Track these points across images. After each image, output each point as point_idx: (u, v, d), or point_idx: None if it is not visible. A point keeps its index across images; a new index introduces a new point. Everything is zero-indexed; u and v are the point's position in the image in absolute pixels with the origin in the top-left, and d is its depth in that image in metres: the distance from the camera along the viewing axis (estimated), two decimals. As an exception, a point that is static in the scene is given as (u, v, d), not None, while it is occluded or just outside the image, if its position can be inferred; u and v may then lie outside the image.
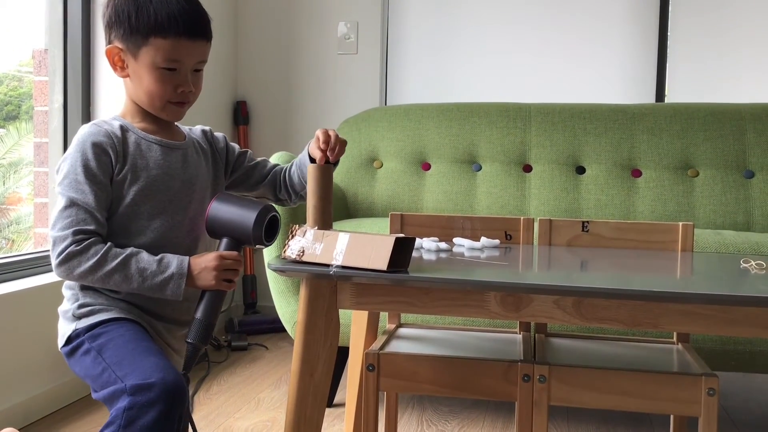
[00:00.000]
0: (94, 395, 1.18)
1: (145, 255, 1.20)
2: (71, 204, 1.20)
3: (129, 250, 1.20)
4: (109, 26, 1.27)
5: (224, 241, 1.27)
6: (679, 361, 1.41)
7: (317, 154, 1.30)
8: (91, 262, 1.17)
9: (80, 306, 1.24)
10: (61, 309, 1.28)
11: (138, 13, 1.23)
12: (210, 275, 1.21)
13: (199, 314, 1.24)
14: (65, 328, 1.25)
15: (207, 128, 1.44)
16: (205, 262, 1.22)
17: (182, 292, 1.20)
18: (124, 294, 1.24)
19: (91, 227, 1.19)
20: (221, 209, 1.27)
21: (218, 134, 1.45)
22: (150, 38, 1.23)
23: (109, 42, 1.28)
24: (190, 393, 1.19)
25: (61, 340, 1.26)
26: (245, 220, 1.24)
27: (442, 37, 3.26)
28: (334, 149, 1.29)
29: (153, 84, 1.25)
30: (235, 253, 1.25)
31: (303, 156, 1.41)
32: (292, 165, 1.47)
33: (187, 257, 1.22)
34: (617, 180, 2.52)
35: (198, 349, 1.24)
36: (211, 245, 1.35)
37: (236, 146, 1.48)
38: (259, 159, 1.50)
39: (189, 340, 1.23)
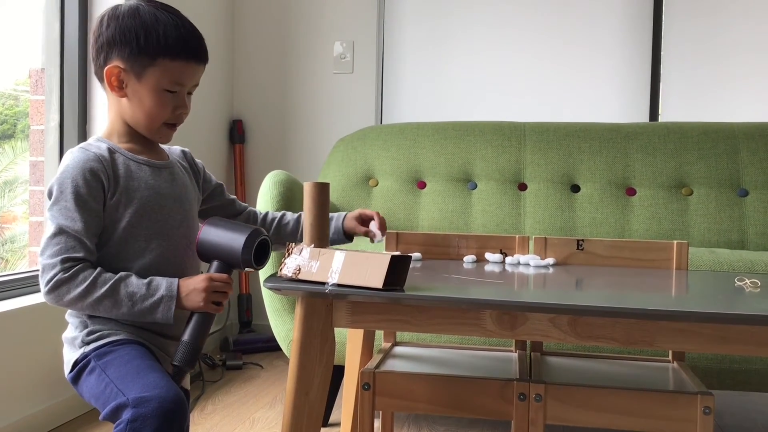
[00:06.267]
0: (100, 417, 1.17)
1: (134, 279, 1.20)
2: (60, 231, 1.19)
3: (118, 275, 1.20)
4: (109, 45, 1.26)
5: (214, 264, 1.27)
6: (674, 379, 1.41)
7: (360, 230, 1.47)
8: (80, 289, 1.17)
9: (90, 333, 1.23)
10: (66, 336, 1.27)
11: (147, 34, 1.24)
12: (199, 297, 1.21)
13: (186, 336, 1.23)
14: (71, 354, 1.25)
15: (186, 150, 1.45)
16: (194, 283, 1.22)
17: (173, 315, 1.20)
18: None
19: (80, 254, 1.19)
20: (211, 233, 1.27)
21: (198, 161, 1.47)
22: (158, 60, 1.24)
23: (106, 61, 1.27)
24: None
25: (67, 367, 1.25)
26: (235, 243, 1.24)
27: (438, 56, 3.28)
28: (383, 227, 1.45)
29: (154, 105, 1.26)
30: (224, 275, 1.25)
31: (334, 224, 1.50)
32: (284, 216, 1.52)
33: (177, 279, 1.22)
34: (612, 198, 2.53)
35: (183, 371, 1.23)
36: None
37: (213, 177, 1.50)
38: (234, 197, 1.52)
39: (175, 363, 1.22)
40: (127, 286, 1.19)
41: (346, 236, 1.50)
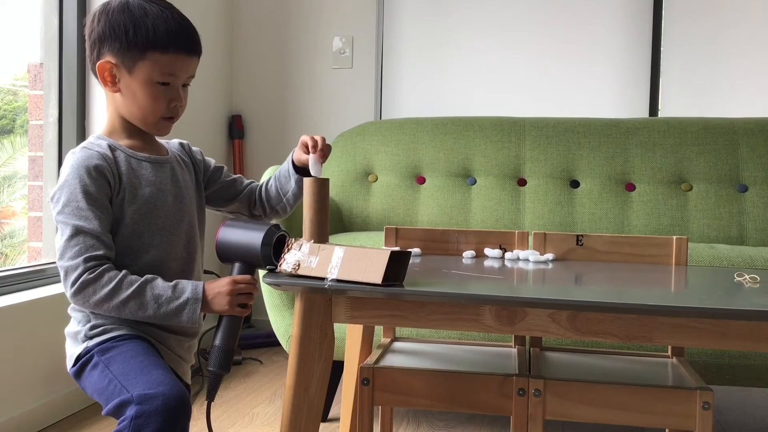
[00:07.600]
0: (103, 412, 1.17)
1: (159, 282, 1.20)
2: (77, 232, 1.18)
3: (143, 277, 1.20)
4: (101, 40, 1.26)
5: (236, 266, 1.26)
6: (673, 375, 1.41)
7: (304, 157, 1.33)
8: (106, 290, 1.17)
9: (92, 327, 1.23)
10: (69, 330, 1.27)
11: (136, 28, 1.23)
12: (224, 300, 1.21)
13: (217, 341, 1.24)
14: (74, 349, 1.25)
15: (184, 141, 1.45)
16: (218, 287, 1.21)
17: (198, 318, 1.20)
18: None
19: (101, 252, 1.19)
20: (229, 234, 1.27)
21: (195, 148, 1.46)
22: (147, 53, 1.24)
23: (98, 56, 1.27)
24: None
25: (69, 361, 1.25)
26: (253, 241, 1.23)
27: (437, 51, 3.28)
28: (323, 150, 1.31)
29: (147, 99, 1.26)
30: (248, 276, 1.24)
31: (283, 167, 1.42)
32: (269, 179, 1.47)
33: (202, 282, 1.22)
34: (611, 194, 2.53)
35: (220, 376, 1.24)
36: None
37: (212, 160, 1.48)
38: (235, 176, 1.50)
39: (210, 368, 1.23)
40: (153, 289, 1.19)
41: (298, 170, 1.39)
